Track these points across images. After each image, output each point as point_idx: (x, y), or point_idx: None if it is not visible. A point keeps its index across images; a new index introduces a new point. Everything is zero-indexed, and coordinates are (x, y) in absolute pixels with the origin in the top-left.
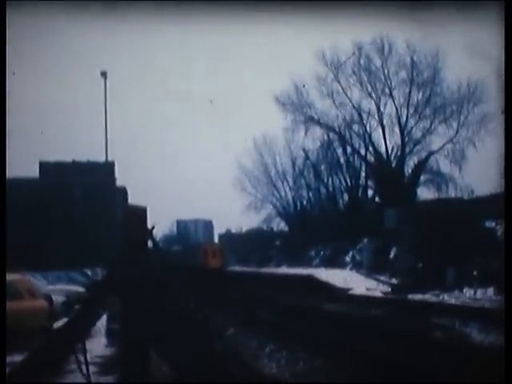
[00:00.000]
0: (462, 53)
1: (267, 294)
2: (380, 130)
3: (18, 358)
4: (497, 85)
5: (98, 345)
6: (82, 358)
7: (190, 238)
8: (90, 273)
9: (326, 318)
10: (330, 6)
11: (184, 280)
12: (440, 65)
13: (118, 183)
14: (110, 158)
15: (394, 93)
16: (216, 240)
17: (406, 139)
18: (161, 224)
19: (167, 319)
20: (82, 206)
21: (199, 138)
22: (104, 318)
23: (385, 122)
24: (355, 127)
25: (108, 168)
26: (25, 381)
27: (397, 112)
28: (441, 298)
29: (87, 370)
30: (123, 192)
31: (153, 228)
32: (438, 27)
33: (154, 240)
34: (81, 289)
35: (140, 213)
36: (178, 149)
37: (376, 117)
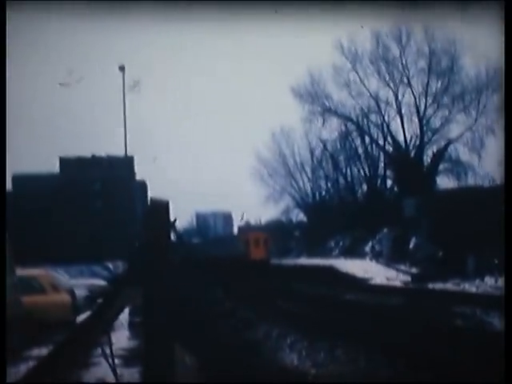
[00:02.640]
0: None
1: (288, 285)
2: (398, 120)
3: (43, 351)
4: None
5: (121, 338)
6: (107, 351)
7: (210, 231)
8: (111, 267)
9: (347, 308)
10: None
11: (217, 272)
12: (458, 53)
13: (138, 177)
14: (129, 153)
15: (412, 82)
16: (236, 232)
17: (425, 128)
18: (180, 217)
19: (193, 312)
20: (102, 200)
21: (217, 131)
22: (126, 311)
23: (403, 111)
24: (373, 117)
25: (127, 162)
26: (51, 375)
27: (415, 101)
28: (462, 286)
29: (113, 362)
30: (143, 186)
31: (175, 221)
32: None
33: (177, 232)
34: (103, 282)
35: (162, 206)
36: (197, 142)
37: (394, 106)
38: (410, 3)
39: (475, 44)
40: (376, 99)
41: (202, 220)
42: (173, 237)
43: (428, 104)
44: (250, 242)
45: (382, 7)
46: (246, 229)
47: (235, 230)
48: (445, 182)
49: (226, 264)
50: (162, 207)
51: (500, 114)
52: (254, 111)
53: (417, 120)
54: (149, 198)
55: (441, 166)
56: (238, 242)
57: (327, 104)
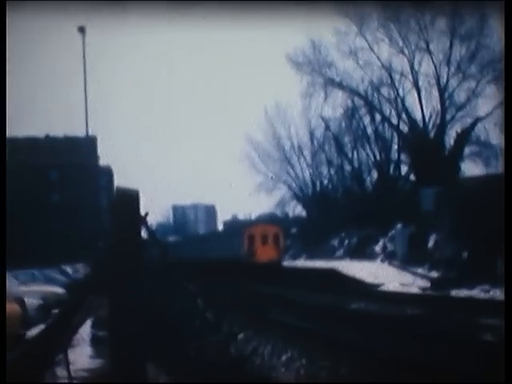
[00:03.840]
0: None
1: (282, 292)
2: (415, 94)
3: None
4: None
5: (81, 356)
6: (63, 372)
7: (189, 226)
8: (69, 271)
9: (353, 320)
10: None
11: (202, 278)
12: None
13: (102, 163)
14: (91, 133)
15: (431, 47)
16: (220, 228)
17: (447, 103)
18: (154, 211)
19: (170, 325)
20: (59, 190)
21: (201, 107)
22: (88, 324)
23: (420, 83)
24: (385, 90)
25: (89, 145)
26: None
27: (435, 71)
28: (491, 293)
29: None
30: (108, 173)
31: (146, 215)
32: None
33: (149, 229)
34: (59, 290)
35: (131, 197)
36: (173, 121)
37: (410, 77)
38: None
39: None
40: (388, 69)
41: (180, 214)
42: (144, 234)
43: (451, 74)
44: (256, 237)
45: None
46: (247, 222)
47: (220, 226)
48: (471, 168)
49: (217, 267)
50: (130, 199)
51: None
52: (244, 84)
53: (437, 94)
54: (115, 188)
55: (466, 150)
56: (233, 238)
57: (330, 75)
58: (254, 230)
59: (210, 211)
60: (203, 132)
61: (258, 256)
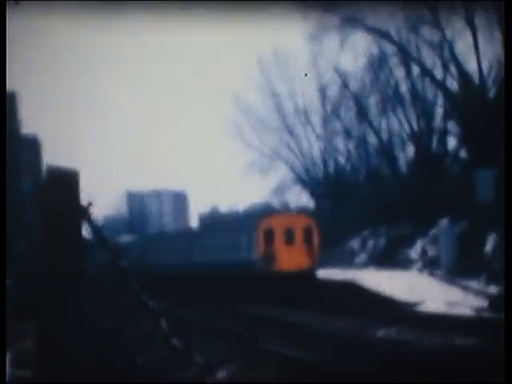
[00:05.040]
0: None
1: (280, 313)
2: (468, 36)
3: None
4: None
5: None
6: None
7: (149, 221)
8: None
9: (380, 352)
10: None
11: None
12: None
13: (25, 130)
14: (10, 88)
15: None
16: (192, 222)
17: None
18: (101, 199)
19: (120, 355)
20: None
21: (165, 56)
22: (7, 358)
23: (477, 20)
24: (425, 32)
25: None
26: None
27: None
28: None
29: None
30: (34, 145)
31: (90, 205)
32: None
33: (93, 225)
34: None
35: (68, 180)
36: (131, 75)
37: (461, 12)
38: None
39: None
40: (432, 2)
41: (137, 204)
42: (87, 232)
43: None
44: (277, 234)
45: None
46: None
47: (194, 220)
48: None
49: (203, 279)
50: (67, 182)
51: None
52: (229, 24)
53: (500, 35)
54: (44, 167)
55: None
56: (214, 237)
57: (347, 10)
58: (274, 223)
59: (180, 200)
60: (171, 90)
61: (279, 262)
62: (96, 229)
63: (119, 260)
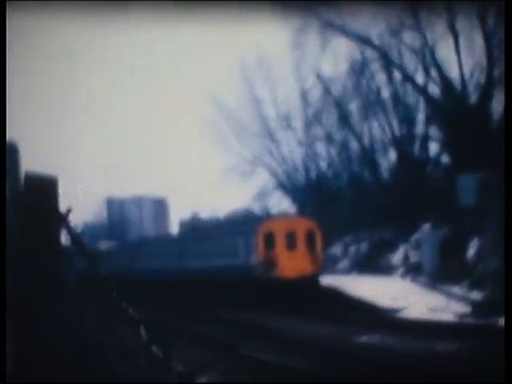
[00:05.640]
0: None
1: (261, 320)
2: (450, 40)
3: None
4: None
5: None
6: None
7: (129, 228)
8: None
9: (363, 360)
10: None
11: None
12: None
13: (8, 139)
14: None
15: None
16: (174, 228)
17: (496, 54)
18: (80, 205)
19: (98, 364)
20: None
21: (150, 60)
22: None
23: (458, 24)
24: (407, 37)
25: None
26: None
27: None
28: None
29: None
30: (12, 153)
31: (69, 212)
32: None
33: (72, 231)
34: None
35: (47, 186)
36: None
37: (444, 16)
38: None
39: None
40: (413, 5)
41: (117, 210)
42: (66, 239)
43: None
44: (278, 237)
45: None
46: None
47: (174, 226)
48: None
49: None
50: (45, 188)
51: None
52: (211, 28)
53: (482, 39)
54: (22, 173)
55: None
56: (194, 244)
57: (329, 15)
58: (275, 226)
59: (160, 206)
60: (152, 95)
61: (281, 268)
62: (75, 236)
63: (98, 267)
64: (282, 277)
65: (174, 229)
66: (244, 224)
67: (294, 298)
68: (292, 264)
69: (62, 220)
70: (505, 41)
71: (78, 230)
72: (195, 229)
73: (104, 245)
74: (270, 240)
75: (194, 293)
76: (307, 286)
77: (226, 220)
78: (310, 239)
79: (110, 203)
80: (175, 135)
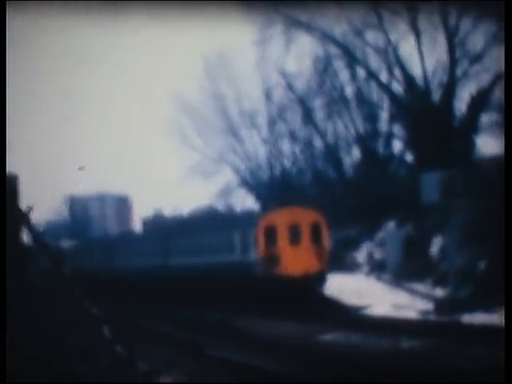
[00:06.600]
0: None
1: (227, 317)
2: (412, 39)
3: None
4: None
5: None
6: None
7: (91, 226)
8: None
9: (327, 359)
10: None
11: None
12: None
13: None
14: None
15: None
16: (137, 225)
17: (458, 53)
18: (41, 204)
19: (61, 363)
20: None
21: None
22: None
23: (420, 23)
24: (370, 35)
25: None
26: None
27: (441, 6)
28: None
29: None
30: None
31: (30, 210)
32: None
33: (33, 230)
34: None
35: (7, 184)
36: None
37: (405, 16)
38: None
39: None
40: (376, 4)
41: (79, 208)
42: (27, 238)
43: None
44: (280, 231)
45: None
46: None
47: (137, 224)
48: (490, 144)
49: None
50: (5, 186)
51: None
52: (173, 25)
53: (444, 38)
54: None
55: (484, 118)
56: (158, 241)
57: (293, 12)
58: (277, 219)
59: (123, 204)
60: (115, 91)
61: (283, 265)
62: (36, 234)
63: (61, 266)
64: (285, 274)
65: (137, 226)
66: (241, 217)
67: (298, 298)
68: (296, 260)
69: (24, 218)
70: (505, 41)
71: (40, 229)
72: (181, 223)
73: (67, 243)
74: (271, 234)
75: (178, 293)
76: (313, 286)
77: (222, 213)
78: (316, 233)
79: (72, 201)
80: (138, 133)
